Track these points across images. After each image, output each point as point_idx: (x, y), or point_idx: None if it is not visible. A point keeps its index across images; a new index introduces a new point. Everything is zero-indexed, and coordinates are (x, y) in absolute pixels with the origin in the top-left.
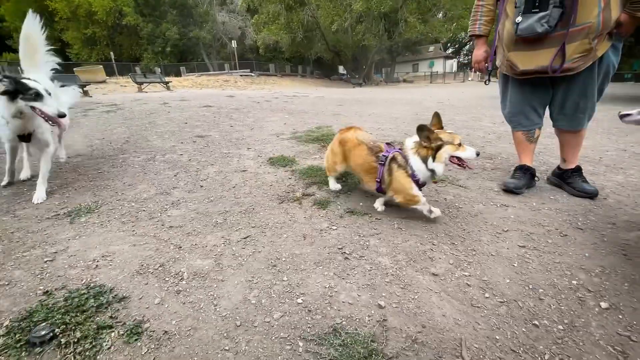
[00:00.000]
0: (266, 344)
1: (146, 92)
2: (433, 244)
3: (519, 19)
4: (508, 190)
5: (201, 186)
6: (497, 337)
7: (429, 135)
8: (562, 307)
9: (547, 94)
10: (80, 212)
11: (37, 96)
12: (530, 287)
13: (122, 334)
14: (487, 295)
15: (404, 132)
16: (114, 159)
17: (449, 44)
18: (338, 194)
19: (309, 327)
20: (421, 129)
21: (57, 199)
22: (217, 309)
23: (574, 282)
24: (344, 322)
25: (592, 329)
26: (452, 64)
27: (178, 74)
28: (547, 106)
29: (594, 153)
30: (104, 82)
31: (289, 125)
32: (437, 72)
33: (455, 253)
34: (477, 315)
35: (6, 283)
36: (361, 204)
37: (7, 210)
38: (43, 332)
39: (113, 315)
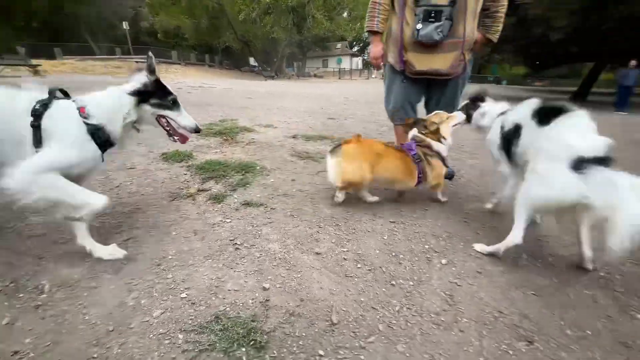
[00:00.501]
0: (142, 343)
1: (3, 77)
2: (320, 227)
3: (420, 25)
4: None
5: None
6: (362, 299)
7: (425, 124)
8: (414, 267)
9: (422, 94)
10: None
11: (174, 104)
12: (394, 254)
13: None
14: (359, 265)
15: (308, 125)
16: None
17: (354, 43)
18: (235, 188)
19: (190, 319)
20: (417, 123)
21: None
22: (87, 318)
23: (426, 246)
24: (227, 309)
25: (433, 281)
26: (358, 62)
27: (52, 56)
28: (418, 104)
29: (459, 142)
30: None
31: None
32: (344, 68)
33: (338, 233)
34: (349, 284)
35: None
36: (258, 195)
37: None
38: None
39: None
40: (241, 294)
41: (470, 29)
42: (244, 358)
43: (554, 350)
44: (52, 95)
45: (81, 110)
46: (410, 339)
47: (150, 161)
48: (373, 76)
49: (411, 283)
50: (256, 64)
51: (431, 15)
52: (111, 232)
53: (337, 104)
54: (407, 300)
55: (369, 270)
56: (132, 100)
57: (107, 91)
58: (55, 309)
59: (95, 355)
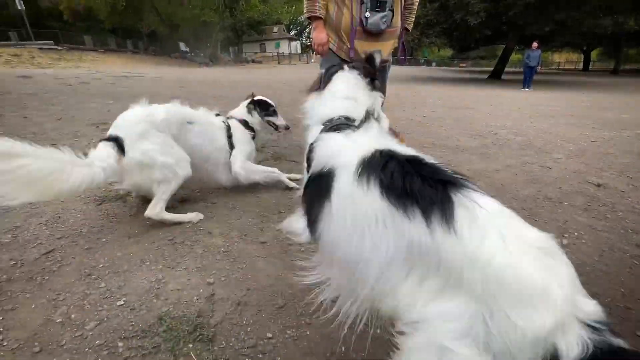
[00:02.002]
0: (77, 358)
1: None
2: (263, 217)
3: (368, 14)
4: None
5: None
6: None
7: None
8: None
9: None
10: None
11: (275, 112)
12: None
13: None
14: (303, 249)
15: None
16: None
17: (291, 26)
18: None
19: (131, 325)
20: None
21: None
22: (6, 344)
23: None
24: (170, 309)
25: None
26: (297, 46)
27: None
28: None
29: (391, 123)
30: None
31: (113, 112)
32: (283, 53)
33: (280, 220)
34: (295, 268)
35: None
36: (196, 190)
37: None
38: None
39: None
40: (185, 292)
41: (399, 19)
42: (192, 354)
43: None
44: (219, 115)
45: (240, 121)
46: None
47: None
48: (312, 60)
49: None
50: (187, 49)
51: (377, 5)
52: (26, 246)
53: (277, 91)
54: None
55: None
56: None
57: (241, 109)
58: None
59: None
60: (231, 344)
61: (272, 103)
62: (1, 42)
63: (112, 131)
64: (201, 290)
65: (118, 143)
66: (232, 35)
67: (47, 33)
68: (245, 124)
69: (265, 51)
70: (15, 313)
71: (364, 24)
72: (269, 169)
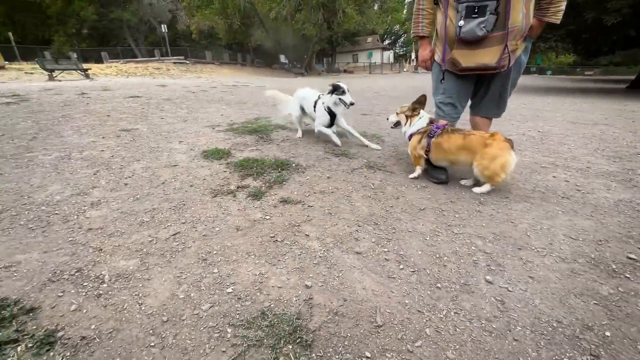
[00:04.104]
0: (194, 335)
1: (59, 81)
2: (359, 226)
3: (462, 22)
4: (439, 182)
5: (125, 184)
6: (407, 301)
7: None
8: (460, 270)
9: (471, 88)
10: None
11: (344, 93)
12: (437, 256)
13: (31, 347)
14: (401, 266)
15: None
16: (17, 159)
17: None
18: (272, 185)
19: (238, 313)
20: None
21: None
22: (143, 308)
23: (472, 248)
24: (272, 305)
25: (481, 285)
26: (389, 55)
27: (99, 60)
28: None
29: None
30: (2, 68)
31: (226, 116)
32: (375, 62)
33: (377, 232)
34: (392, 285)
35: None
36: (295, 192)
37: None
38: None
39: (19, 329)
40: (285, 291)
41: (517, 19)
42: (291, 355)
43: None
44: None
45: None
46: (461, 346)
47: (191, 159)
48: (405, 70)
49: (457, 286)
50: (286, 61)
51: (475, 11)
52: (159, 227)
53: (368, 99)
54: (454, 305)
55: (413, 271)
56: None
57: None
58: (114, 299)
59: (152, 344)
60: (329, 355)
61: (343, 86)
62: (149, 58)
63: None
64: (300, 292)
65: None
66: (327, 46)
67: (180, 50)
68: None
69: (357, 61)
70: (150, 283)
71: (458, 33)
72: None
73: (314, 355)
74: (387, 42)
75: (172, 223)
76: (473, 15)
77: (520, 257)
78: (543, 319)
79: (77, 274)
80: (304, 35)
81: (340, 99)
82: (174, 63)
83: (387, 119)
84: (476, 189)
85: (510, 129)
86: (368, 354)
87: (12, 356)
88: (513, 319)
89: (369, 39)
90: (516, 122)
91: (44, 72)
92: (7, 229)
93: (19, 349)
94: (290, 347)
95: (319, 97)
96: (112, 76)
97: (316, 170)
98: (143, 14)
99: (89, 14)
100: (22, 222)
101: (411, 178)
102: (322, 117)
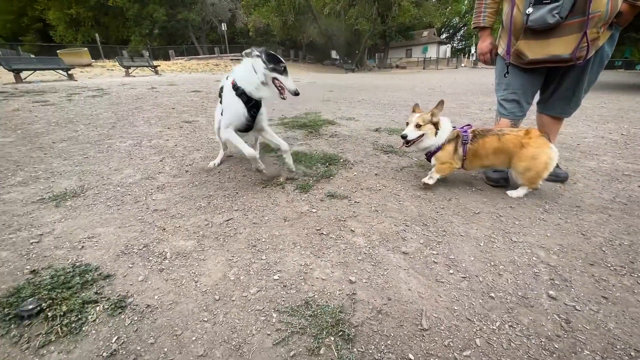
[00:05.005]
0: (242, 316)
1: (134, 77)
2: (406, 225)
3: (530, 10)
4: (496, 184)
5: (186, 171)
6: (456, 308)
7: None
8: (518, 281)
9: (540, 83)
10: (66, 196)
11: (284, 71)
12: (492, 264)
13: (107, 308)
14: (451, 271)
15: (391, 119)
16: (100, 144)
17: (443, 29)
18: (319, 179)
19: (283, 300)
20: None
21: (42, 183)
22: (198, 285)
23: (533, 258)
24: (315, 296)
25: (542, 300)
26: (446, 50)
27: (166, 57)
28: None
29: (572, 140)
30: (89, 65)
31: (277, 111)
32: (430, 57)
33: (426, 234)
34: (440, 289)
35: None
36: (342, 188)
37: None
38: (30, 306)
39: (98, 292)
40: (328, 284)
41: (601, 3)
42: (333, 347)
43: None
44: None
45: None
46: None
47: None
48: (463, 65)
49: (514, 298)
50: (338, 56)
51: None
52: (215, 212)
53: (421, 96)
54: (509, 317)
55: (463, 277)
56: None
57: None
58: (174, 274)
59: (205, 319)
60: (371, 352)
61: (283, 61)
62: (209, 55)
63: None
64: (343, 286)
65: None
66: (380, 41)
67: (237, 47)
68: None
69: (410, 56)
70: (205, 263)
71: (525, 22)
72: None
73: (355, 350)
74: (444, 35)
75: (226, 210)
76: (544, 1)
77: (592, 273)
78: (617, 346)
79: (144, 249)
80: (357, 31)
81: (275, 78)
82: (232, 59)
83: (403, 136)
84: (512, 193)
85: (586, 131)
86: (411, 357)
87: (92, 314)
88: (580, 340)
89: (425, 33)
90: (593, 122)
91: (122, 68)
92: (91, 205)
93: (97, 308)
94: (332, 338)
95: (227, 79)
96: (177, 72)
97: (364, 166)
98: (205, 14)
99: (160, 15)
100: (102, 200)
101: (425, 184)
102: (233, 111)
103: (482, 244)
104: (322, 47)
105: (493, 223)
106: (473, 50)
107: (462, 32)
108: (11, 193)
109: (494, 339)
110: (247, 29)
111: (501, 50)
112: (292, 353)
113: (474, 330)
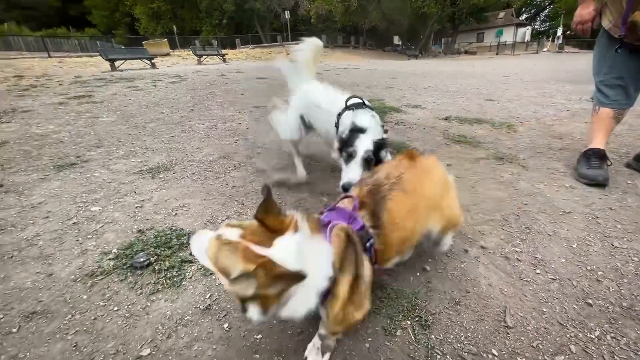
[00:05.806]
0: None
1: (205, 65)
2: (490, 220)
3: None
4: (596, 184)
5: (258, 152)
6: (545, 310)
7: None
8: (622, 291)
9: None
10: (159, 169)
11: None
12: (588, 268)
13: (200, 268)
14: (538, 271)
15: (461, 107)
16: (182, 125)
17: (523, 9)
18: None
19: None
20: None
21: (139, 157)
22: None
23: None
24: (389, 280)
25: None
26: (525, 33)
27: (233, 46)
28: None
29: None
30: (168, 55)
31: None
32: (505, 42)
33: (507, 230)
34: (525, 289)
35: (110, 221)
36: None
37: (104, 164)
38: (142, 259)
39: (192, 253)
40: (402, 269)
41: None
42: (409, 330)
43: None
44: None
45: None
46: None
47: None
48: (545, 49)
49: (617, 309)
50: (400, 42)
51: None
52: (288, 193)
53: (495, 83)
54: (611, 328)
55: (553, 279)
56: None
57: None
58: None
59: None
60: (449, 340)
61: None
62: (272, 43)
63: None
64: (417, 274)
65: None
66: (448, 25)
67: (298, 35)
68: None
69: (482, 41)
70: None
71: None
72: None
73: (433, 336)
74: (524, 16)
75: (296, 190)
76: None
77: None
78: None
79: (227, 220)
80: (423, 14)
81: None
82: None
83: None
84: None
85: (621, 129)
86: (495, 352)
87: (189, 272)
88: None
89: (501, 14)
90: None
91: (195, 57)
92: (179, 178)
93: (193, 268)
94: (409, 322)
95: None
96: (242, 60)
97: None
98: (270, 2)
99: (229, 6)
100: (188, 175)
101: None
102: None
103: (574, 246)
104: (384, 33)
105: (587, 225)
106: (559, 32)
107: (546, 11)
108: (117, 164)
109: (593, 348)
110: (308, 16)
111: (607, 23)
112: (369, 331)
113: (568, 336)
